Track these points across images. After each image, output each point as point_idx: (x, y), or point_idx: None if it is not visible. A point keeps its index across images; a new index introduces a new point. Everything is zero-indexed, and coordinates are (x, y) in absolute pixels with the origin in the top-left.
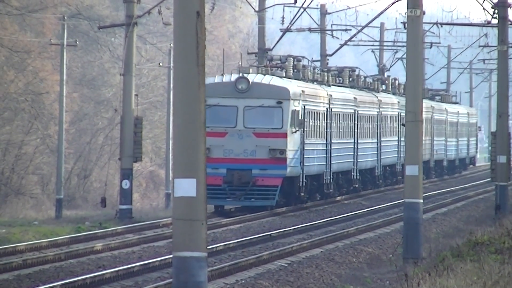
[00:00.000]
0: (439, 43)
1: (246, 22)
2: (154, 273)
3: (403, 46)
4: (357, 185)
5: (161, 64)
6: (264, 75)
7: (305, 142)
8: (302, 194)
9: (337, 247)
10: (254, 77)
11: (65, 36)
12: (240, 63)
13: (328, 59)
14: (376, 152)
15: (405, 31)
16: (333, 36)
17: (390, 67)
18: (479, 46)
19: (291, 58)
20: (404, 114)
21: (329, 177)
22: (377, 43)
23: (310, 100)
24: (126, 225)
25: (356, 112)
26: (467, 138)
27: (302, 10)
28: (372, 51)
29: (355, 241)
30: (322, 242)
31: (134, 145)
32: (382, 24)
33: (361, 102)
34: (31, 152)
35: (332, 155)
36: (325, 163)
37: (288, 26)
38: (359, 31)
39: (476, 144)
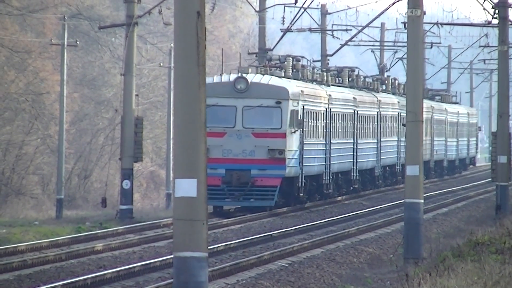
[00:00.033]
0: (440, 43)
1: (247, 22)
2: (154, 273)
3: (404, 46)
4: (356, 186)
5: (161, 64)
6: (263, 75)
7: (304, 142)
8: (301, 194)
9: (338, 247)
10: (253, 77)
11: (66, 36)
12: (239, 63)
13: (328, 59)
14: (375, 152)
15: (406, 31)
16: (333, 36)
17: (391, 67)
18: (480, 46)
19: (290, 58)
20: (404, 114)
21: (328, 178)
22: (378, 43)
23: (309, 100)
24: (126, 225)
25: (355, 112)
26: (467, 138)
27: (302, 10)
28: (372, 51)
29: (356, 241)
30: (323, 242)
31: (135, 145)
32: (382, 24)
33: (361, 102)
34: (32, 152)
35: (331, 155)
36: (324, 163)
37: (288, 26)
38: (359, 31)
39: (477, 144)
